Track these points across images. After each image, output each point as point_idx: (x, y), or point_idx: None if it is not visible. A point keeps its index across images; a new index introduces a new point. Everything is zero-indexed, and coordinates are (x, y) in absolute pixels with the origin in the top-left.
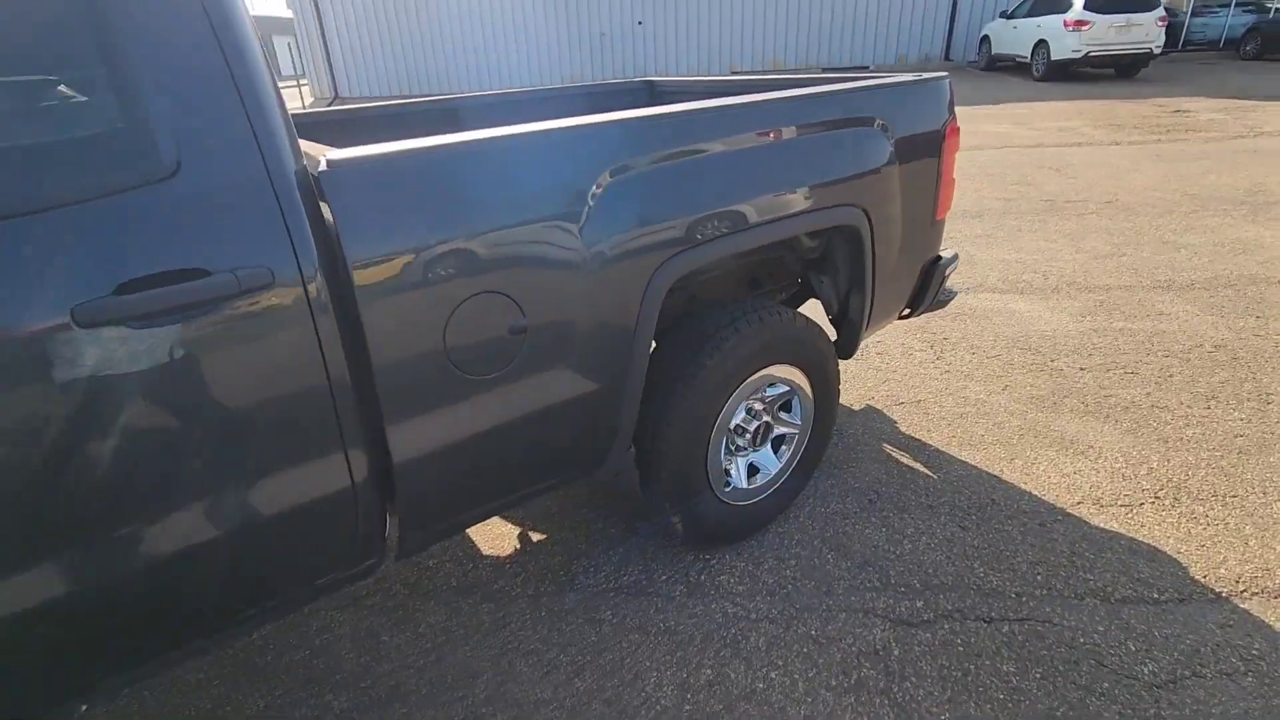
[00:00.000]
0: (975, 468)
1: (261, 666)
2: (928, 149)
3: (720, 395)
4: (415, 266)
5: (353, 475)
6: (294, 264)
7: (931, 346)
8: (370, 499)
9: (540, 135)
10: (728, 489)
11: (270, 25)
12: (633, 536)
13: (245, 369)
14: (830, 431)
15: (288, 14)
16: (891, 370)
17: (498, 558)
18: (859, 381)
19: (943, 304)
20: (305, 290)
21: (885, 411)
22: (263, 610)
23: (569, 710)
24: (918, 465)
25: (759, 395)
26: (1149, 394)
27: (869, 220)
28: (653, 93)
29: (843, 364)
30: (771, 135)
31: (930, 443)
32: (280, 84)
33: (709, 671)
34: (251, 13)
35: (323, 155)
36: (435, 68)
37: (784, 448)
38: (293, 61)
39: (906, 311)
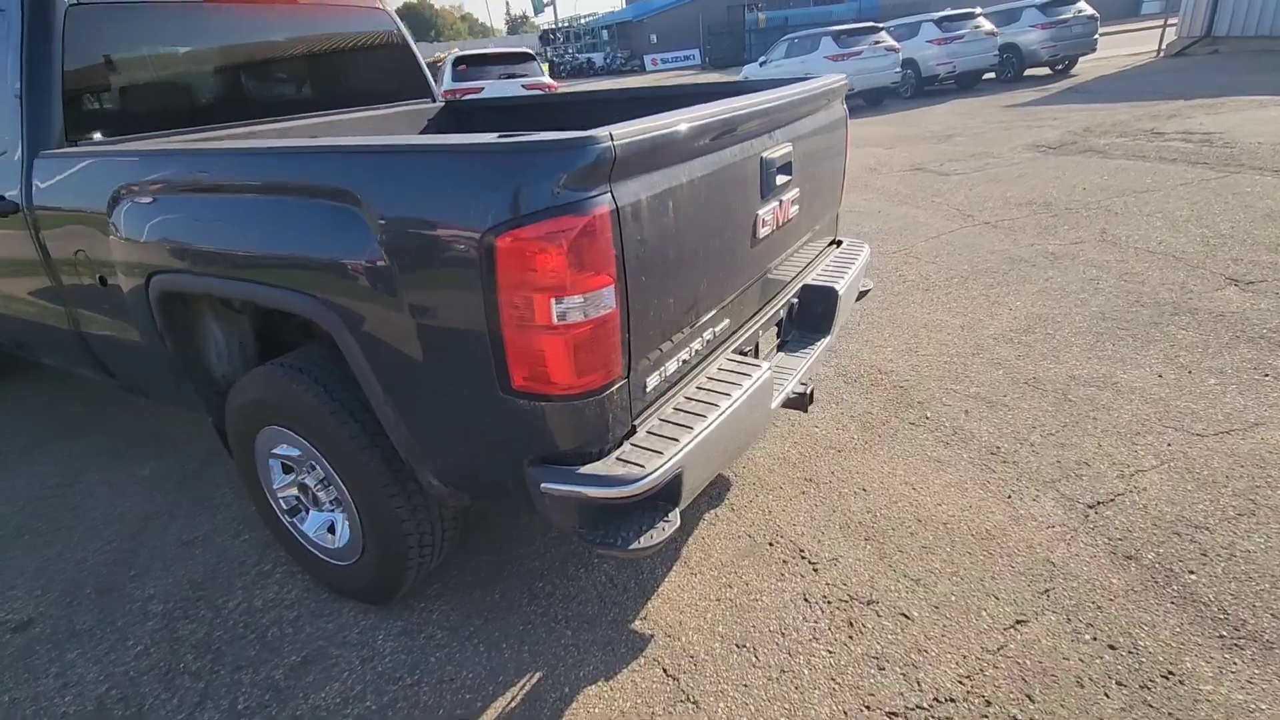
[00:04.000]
0: None
1: None
2: (458, 261)
3: (250, 422)
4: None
5: None
6: None
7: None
8: None
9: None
10: (294, 519)
11: None
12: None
13: None
14: (397, 547)
15: None
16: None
17: None
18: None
19: (617, 546)
20: None
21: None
22: None
23: None
24: None
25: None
26: None
27: (349, 329)
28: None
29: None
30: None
31: None
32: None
33: None
34: None
35: None
36: None
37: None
38: None
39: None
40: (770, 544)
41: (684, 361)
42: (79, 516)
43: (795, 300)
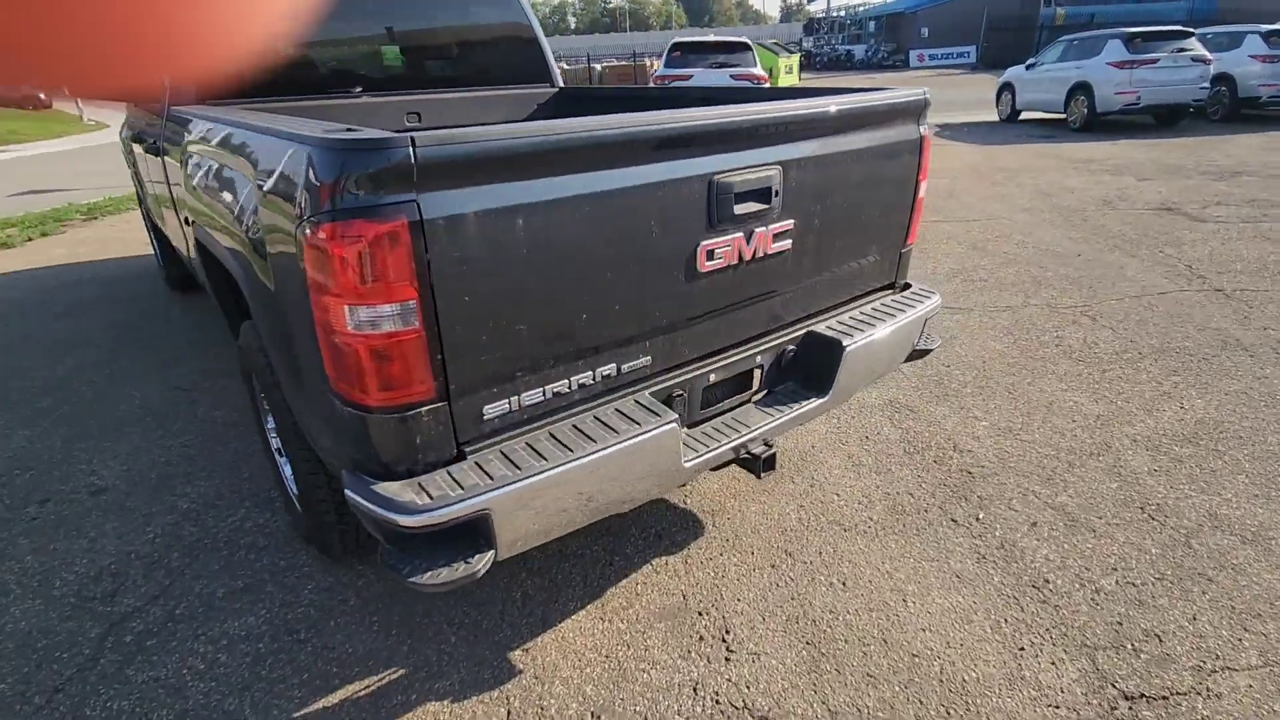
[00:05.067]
0: None
1: None
2: (292, 252)
3: (244, 367)
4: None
5: None
6: None
7: None
8: None
9: None
10: (282, 460)
11: None
12: None
13: None
14: (318, 510)
15: None
16: None
17: None
18: None
19: (401, 574)
20: None
21: None
22: None
23: None
24: None
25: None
26: None
27: (250, 290)
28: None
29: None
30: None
31: None
32: None
33: None
34: None
35: None
36: None
37: None
38: None
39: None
40: (700, 613)
41: (557, 395)
42: (178, 417)
43: (793, 348)
